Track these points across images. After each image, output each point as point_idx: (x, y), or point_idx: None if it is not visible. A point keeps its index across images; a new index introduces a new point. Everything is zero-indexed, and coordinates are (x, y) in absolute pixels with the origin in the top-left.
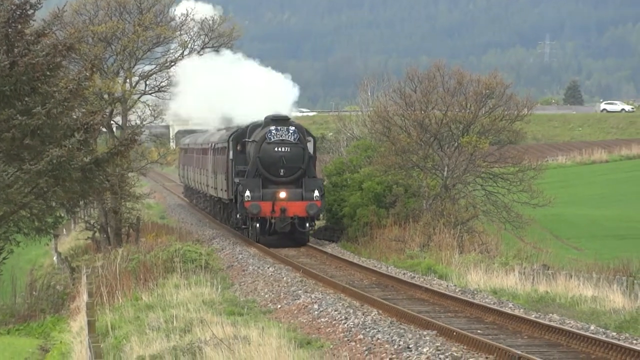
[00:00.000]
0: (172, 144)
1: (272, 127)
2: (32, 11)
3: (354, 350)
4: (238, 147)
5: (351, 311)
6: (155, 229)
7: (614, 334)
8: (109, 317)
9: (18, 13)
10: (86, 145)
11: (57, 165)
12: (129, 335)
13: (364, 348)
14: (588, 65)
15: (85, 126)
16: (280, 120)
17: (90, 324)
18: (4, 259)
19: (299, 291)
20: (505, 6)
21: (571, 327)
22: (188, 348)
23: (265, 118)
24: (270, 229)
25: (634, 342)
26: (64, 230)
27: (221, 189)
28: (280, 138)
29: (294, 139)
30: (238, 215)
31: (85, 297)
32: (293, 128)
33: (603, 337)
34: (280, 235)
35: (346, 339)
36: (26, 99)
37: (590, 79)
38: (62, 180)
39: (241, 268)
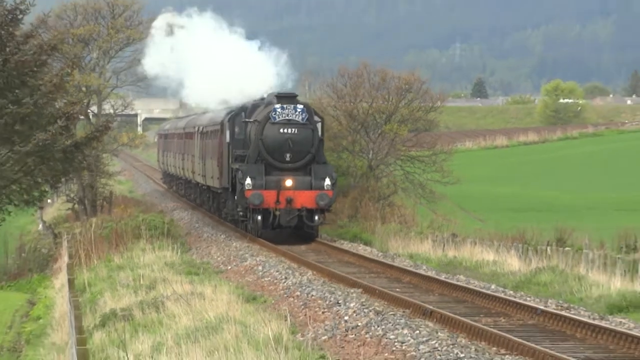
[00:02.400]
0: (140, 129)
1: (277, 106)
2: (21, 16)
3: (292, 305)
4: (236, 129)
5: (290, 272)
6: (125, 202)
7: (511, 292)
8: (86, 276)
9: (9, 17)
10: (67, 130)
11: (43, 147)
12: (102, 291)
13: (301, 303)
14: (492, 65)
15: (67, 115)
16: (286, 98)
17: (70, 282)
18: None
19: (246, 255)
20: (423, 14)
21: (475, 286)
22: (152, 302)
23: (268, 95)
24: (274, 223)
25: (528, 299)
26: (49, 201)
27: (211, 177)
28: (286, 118)
29: (302, 119)
30: (238, 208)
31: (66, 258)
32: (301, 107)
33: (502, 295)
34: (285, 229)
35: (286, 295)
36: (16, 91)
37: (494, 76)
38: (47, 160)
39: (197, 235)
